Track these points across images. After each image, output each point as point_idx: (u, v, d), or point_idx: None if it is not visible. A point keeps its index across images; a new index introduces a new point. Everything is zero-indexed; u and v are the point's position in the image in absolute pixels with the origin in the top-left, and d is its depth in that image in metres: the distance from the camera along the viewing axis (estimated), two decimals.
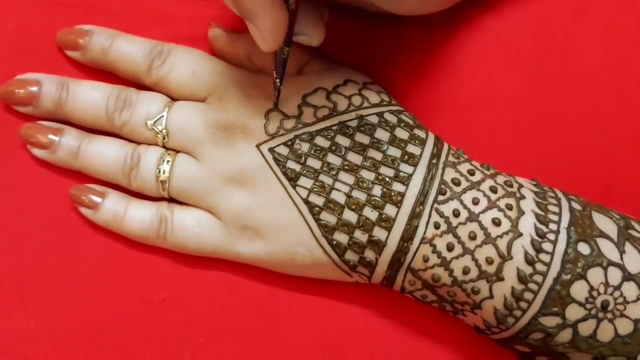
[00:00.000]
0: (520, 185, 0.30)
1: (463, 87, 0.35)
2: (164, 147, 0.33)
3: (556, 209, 0.29)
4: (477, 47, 0.35)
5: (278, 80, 0.29)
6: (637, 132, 0.34)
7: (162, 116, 0.32)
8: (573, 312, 0.28)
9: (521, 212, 0.29)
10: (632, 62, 0.34)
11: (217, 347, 0.33)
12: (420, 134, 0.31)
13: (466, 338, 0.34)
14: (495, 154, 0.32)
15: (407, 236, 0.29)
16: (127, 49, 0.33)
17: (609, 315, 0.28)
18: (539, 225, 0.29)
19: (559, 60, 0.35)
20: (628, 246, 0.29)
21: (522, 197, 0.29)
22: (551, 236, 0.28)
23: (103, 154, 0.32)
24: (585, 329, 0.28)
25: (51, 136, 0.32)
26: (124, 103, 0.32)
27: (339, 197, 0.30)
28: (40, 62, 0.34)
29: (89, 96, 0.32)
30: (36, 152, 0.33)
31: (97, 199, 0.32)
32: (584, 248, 0.28)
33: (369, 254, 0.30)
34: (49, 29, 0.34)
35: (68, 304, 0.33)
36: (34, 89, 0.32)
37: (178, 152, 0.32)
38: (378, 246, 0.29)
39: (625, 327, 0.28)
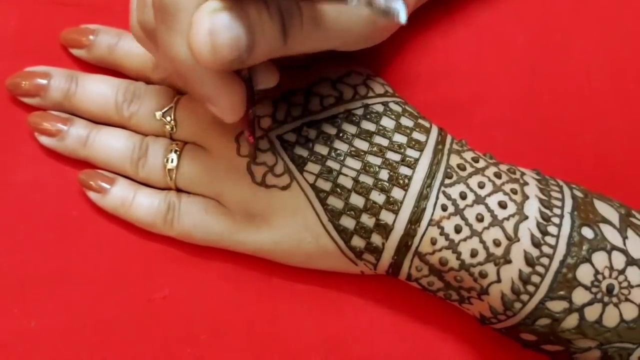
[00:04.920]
0: (523, 173, 0.31)
1: (461, 86, 0.35)
2: (171, 138, 0.33)
3: (559, 195, 0.30)
4: (474, 46, 0.36)
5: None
6: (636, 130, 0.35)
7: (171, 107, 0.32)
8: (579, 296, 0.28)
9: (525, 197, 0.29)
10: (631, 60, 0.35)
11: (219, 344, 0.33)
12: (425, 123, 0.31)
13: (469, 333, 0.34)
14: (494, 152, 0.33)
15: (415, 219, 0.29)
16: (134, 46, 0.33)
17: (615, 300, 0.28)
18: (543, 209, 0.29)
19: (557, 59, 0.35)
20: (630, 232, 0.29)
21: (526, 183, 0.30)
22: (556, 220, 0.29)
23: (111, 143, 0.33)
24: (592, 313, 0.28)
25: (60, 125, 0.33)
26: (133, 95, 0.33)
27: (346, 181, 0.30)
28: (43, 61, 0.34)
29: (98, 88, 0.33)
30: (43, 140, 0.33)
31: (106, 185, 0.33)
32: (587, 232, 0.29)
33: (376, 239, 0.30)
34: (52, 28, 0.34)
35: (69, 302, 0.33)
36: (43, 80, 0.33)
37: (185, 143, 0.33)
38: (385, 230, 0.29)
39: (630, 311, 0.28)
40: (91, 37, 0.33)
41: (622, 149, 0.35)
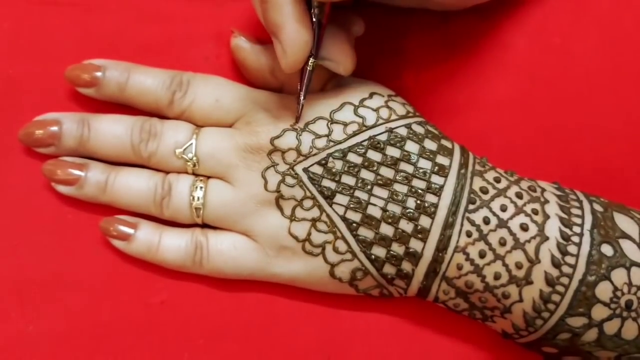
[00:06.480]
0: (543, 190, 0.32)
1: (459, 90, 0.35)
2: (193, 174, 0.33)
3: (579, 212, 0.31)
4: (473, 50, 0.35)
5: (302, 93, 0.30)
6: (635, 134, 0.35)
7: (191, 144, 0.32)
8: (598, 312, 0.29)
9: (546, 217, 0.30)
10: (630, 64, 0.35)
11: (216, 349, 0.33)
12: (447, 144, 0.32)
13: (468, 335, 0.35)
14: (491, 157, 0.33)
15: (442, 246, 0.30)
16: (146, 82, 0.32)
17: (633, 314, 0.29)
18: (563, 228, 0.30)
19: (556, 63, 0.35)
20: None
21: (546, 201, 0.31)
22: (575, 239, 0.30)
23: (132, 185, 0.32)
24: (611, 328, 0.29)
25: (77, 172, 0.32)
26: (149, 134, 0.32)
27: (375, 211, 0.30)
28: (37, 63, 0.34)
29: (112, 130, 0.32)
30: (61, 189, 0.32)
31: (129, 230, 0.32)
32: (607, 249, 0.30)
33: (406, 266, 0.31)
34: (45, 29, 0.34)
35: (66, 306, 0.33)
36: (54, 128, 0.32)
37: (208, 177, 0.32)
38: (415, 257, 0.30)
39: None
40: (98, 74, 0.32)
41: (621, 154, 0.35)
